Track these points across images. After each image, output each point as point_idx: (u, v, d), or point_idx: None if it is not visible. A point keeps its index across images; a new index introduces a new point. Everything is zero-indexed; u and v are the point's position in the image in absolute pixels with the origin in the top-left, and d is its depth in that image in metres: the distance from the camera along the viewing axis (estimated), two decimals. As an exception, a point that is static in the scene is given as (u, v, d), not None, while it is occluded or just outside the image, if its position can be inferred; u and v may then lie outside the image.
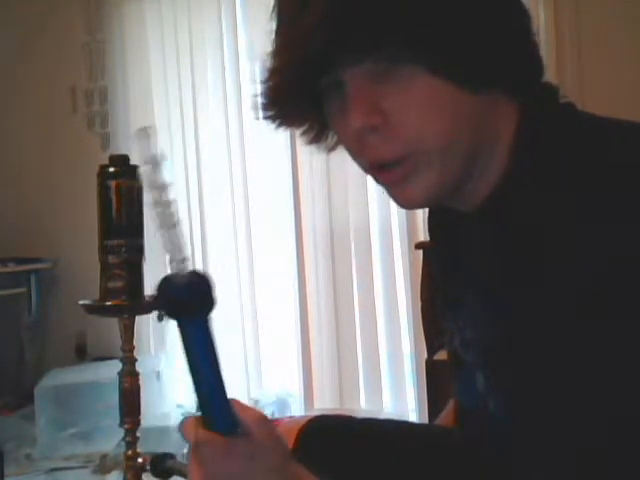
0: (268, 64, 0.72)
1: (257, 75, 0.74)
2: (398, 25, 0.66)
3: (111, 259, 1.21)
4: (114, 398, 1.24)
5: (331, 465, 0.86)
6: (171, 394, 3.28)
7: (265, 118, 0.75)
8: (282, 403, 3.26)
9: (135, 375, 1.25)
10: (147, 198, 0.58)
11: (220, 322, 3.56)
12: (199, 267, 3.27)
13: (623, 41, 2.73)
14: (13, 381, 3.76)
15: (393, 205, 0.77)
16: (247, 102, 3.34)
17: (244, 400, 0.67)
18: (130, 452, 1.24)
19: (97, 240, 1.23)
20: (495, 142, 0.74)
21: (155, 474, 1.20)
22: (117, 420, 1.24)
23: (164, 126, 3.52)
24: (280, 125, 0.76)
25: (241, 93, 3.38)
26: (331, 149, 0.82)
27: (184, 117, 3.48)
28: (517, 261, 0.71)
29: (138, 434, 1.24)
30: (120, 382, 1.24)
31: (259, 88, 0.74)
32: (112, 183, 1.21)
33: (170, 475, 1.20)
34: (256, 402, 3.18)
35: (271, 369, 3.42)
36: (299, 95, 0.72)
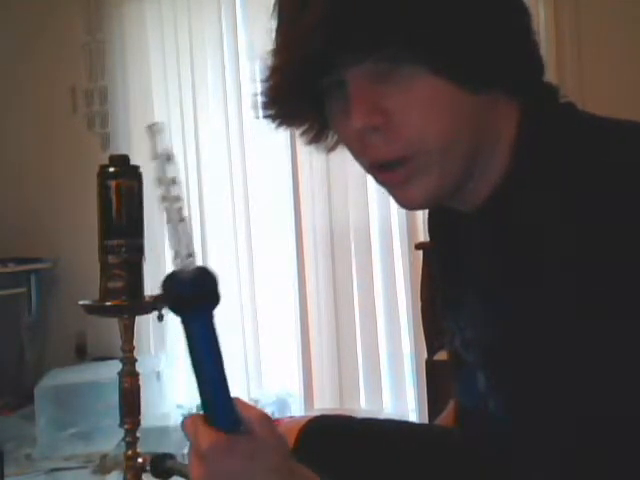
0: (268, 63, 0.72)
1: (257, 74, 0.74)
2: (398, 25, 0.66)
3: (111, 259, 1.21)
4: (114, 398, 1.24)
5: (331, 465, 0.86)
6: (171, 394, 3.28)
7: (265, 117, 0.75)
8: (282, 403, 3.26)
9: (135, 375, 1.25)
10: (156, 193, 0.59)
11: (220, 322, 3.54)
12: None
13: (623, 41, 2.73)
14: (13, 381, 3.76)
15: (393, 205, 0.77)
16: (247, 102, 3.34)
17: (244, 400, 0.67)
18: (130, 452, 1.24)
19: (97, 240, 1.23)
20: (496, 142, 0.74)
21: (155, 474, 1.20)
22: (117, 420, 1.24)
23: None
24: (280, 125, 0.76)
25: (241, 93, 3.38)
26: (331, 149, 0.81)
27: (184, 117, 3.48)
28: (517, 261, 0.71)
29: (138, 434, 1.24)
30: (120, 382, 1.24)
31: (259, 87, 0.74)
32: (112, 183, 1.21)
33: (170, 475, 1.20)
34: (256, 402, 3.18)
35: (271, 369, 3.42)
36: (299, 94, 0.72)
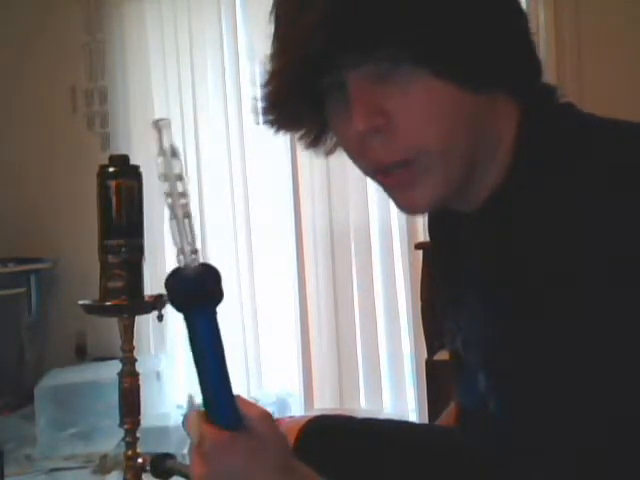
0: (268, 67, 0.72)
1: (257, 77, 0.74)
2: (398, 25, 0.66)
3: (111, 259, 1.20)
4: (114, 398, 1.24)
5: (331, 465, 0.86)
6: (171, 394, 3.28)
7: (265, 122, 0.75)
8: (282, 403, 3.26)
9: (135, 375, 1.25)
10: (161, 189, 0.59)
11: (220, 322, 3.54)
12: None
13: (623, 41, 2.73)
14: (13, 381, 3.76)
15: (393, 205, 0.76)
16: (247, 102, 3.34)
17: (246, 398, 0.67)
18: (130, 452, 1.23)
19: (97, 240, 1.23)
20: (496, 142, 0.74)
21: (155, 474, 1.20)
22: (117, 420, 1.24)
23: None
24: (279, 129, 0.76)
25: (241, 93, 3.38)
26: (329, 152, 0.81)
27: (184, 117, 3.48)
28: (517, 261, 0.71)
29: (138, 434, 1.24)
30: (120, 382, 1.24)
31: (259, 92, 0.73)
32: (112, 183, 1.21)
33: (170, 475, 1.19)
34: (256, 402, 3.18)
35: (271, 369, 3.42)
36: (299, 97, 0.72)
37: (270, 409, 0.69)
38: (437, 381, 2.25)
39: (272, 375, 3.42)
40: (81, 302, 1.25)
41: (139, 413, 1.25)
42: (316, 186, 3.20)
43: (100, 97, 3.81)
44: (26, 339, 3.92)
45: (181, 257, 0.60)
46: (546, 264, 0.67)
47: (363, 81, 0.69)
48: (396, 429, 1.08)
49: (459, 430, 0.97)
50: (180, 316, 0.62)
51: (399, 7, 0.65)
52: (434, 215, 0.94)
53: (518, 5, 0.73)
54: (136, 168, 1.24)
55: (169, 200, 0.59)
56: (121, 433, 1.25)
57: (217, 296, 0.61)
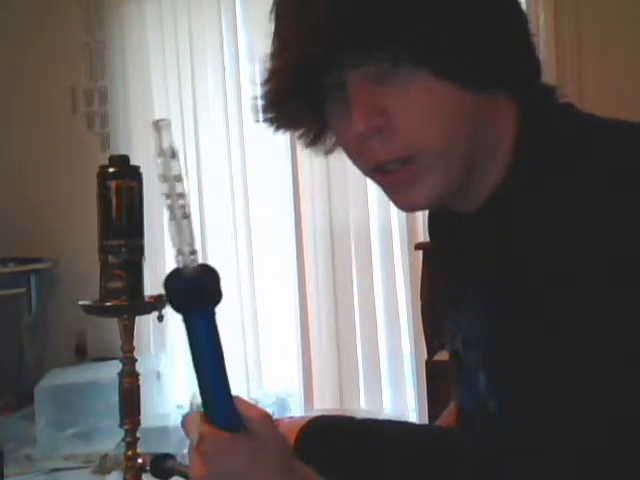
0: (267, 66, 0.72)
1: (257, 77, 0.74)
2: (398, 25, 0.66)
3: (111, 259, 1.20)
4: (114, 398, 1.24)
5: (331, 465, 0.86)
6: (171, 394, 3.28)
7: (264, 121, 0.75)
8: (282, 403, 3.26)
9: (135, 375, 1.25)
10: (160, 189, 0.59)
11: (220, 322, 3.55)
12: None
13: (623, 41, 2.73)
14: (13, 381, 3.76)
15: (393, 205, 0.76)
16: (247, 102, 3.34)
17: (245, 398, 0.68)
18: (130, 452, 1.23)
19: (97, 240, 1.23)
20: (496, 142, 0.74)
21: (155, 474, 1.20)
22: (117, 420, 1.24)
23: (164, 126, 3.52)
24: (279, 128, 0.76)
25: (241, 93, 3.38)
26: (329, 152, 0.81)
27: (184, 117, 3.48)
28: (517, 261, 0.71)
29: (138, 434, 1.24)
30: (120, 382, 1.24)
31: (258, 90, 0.74)
32: (112, 183, 1.21)
33: (170, 476, 1.19)
34: (256, 402, 3.18)
35: (271, 369, 3.42)
36: (298, 97, 0.72)
37: (270, 409, 0.69)
38: (437, 381, 2.25)
39: (272, 375, 3.42)
40: (81, 302, 1.25)
41: (139, 413, 1.25)
42: (316, 186, 3.20)
43: (100, 97, 3.81)
44: (26, 339, 3.92)
45: (180, 258, 0.60)
46: (546, 264, 0.67)
47: (363, 81, 0.69)
48: (396, 429, 1.08)
49: (459, 430, 0.97)
50: (180, 316, 0.62)
51: (399, 7, 0.65)
52: (434, 215, 0.94)
53: (518, 5, 0.73)
54: (136, 168, 1.24)
55: (168, 201, 0.59)
56: (121, 433, 1.25)
57: (215, 297, 0.61)
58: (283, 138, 3.19)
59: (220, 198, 3.44)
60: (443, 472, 0.95)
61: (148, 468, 1.21)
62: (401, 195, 0.73)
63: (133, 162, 1.26)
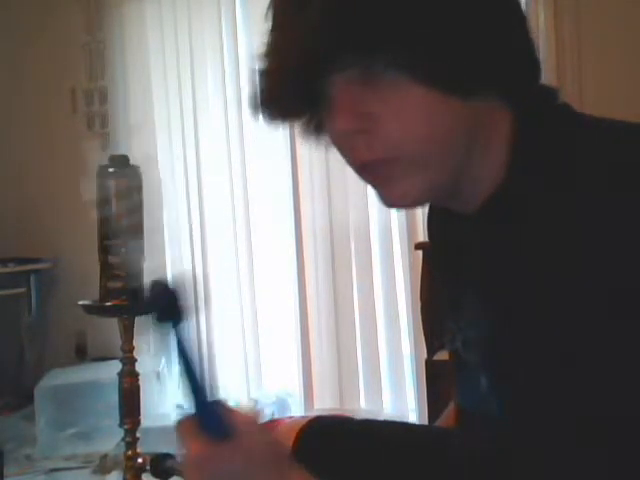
0: (262, 65, 0.73)
1: (254, 75, 0.75)
2: (382, 33, 0.66)
3: (111, 259, 1.21)
4: (114, 398, 1.25)
5: (331, 466, 0.86)
6: (171, 394, 3.28)
7: (263, 116, 0.76)
8: (282, 403, 3.26)
9: (135, 375, 1.25)
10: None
11: (220, 322, 3.56)
12: (192, 269, 3.27)
13: (623, 41, 2.73)
14: (13, 381, 3.76)
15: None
16: (246, 102, 3.34)
17: (244, 400, 0.69)
18: (130, 452, 1.24)
19: (97, 240, 1.23)
20: (490, 144, 0.74)
21: (155, 474, 1.20)
22: (117, 420, 1.24)
23: (164, 126, 3.52)
24: (274, 124, 0.77)
25: (241, 93, 3.37)
26: (329, 145, 0.82)
27: (184, 117, 3.48)
28: (517, 262, 0.71)
29: (138, 434, 1.24)
30: (120, 382, 1.24)
31: (255, 87, 0.75)
32: (112, 183, 1.21)
33: (170, 475, 1.20)
34: (256, 402, 3.18)
35: (271, 369, 3.42)
36: (291, 96, 0.73)
37: (270, 409, 0.70)
38: (437, 381, 2.25)
39: (272, 375, 3.42)
40: (81, 302, 1.25)
41: (139, 413, 1.25)
42: (316, 186, 3.20)
43: (100, 97, 3.80)
44: (26, 339, 3.92)
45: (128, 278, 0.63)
46: (546, 264, 0.67)
47: (347, 85, 0.70)
48: (395, 430, 1.08)
49: (459, 431, 0.97)
50: None
51: (384, 14, 0.66)
52: (433, 216, 0.94)
53: (516, 7, 0.73)
54: (136, 168, 1.24)
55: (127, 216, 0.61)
56: (121, 433, 1.25)
57: (175, 313, 0.63)
58: (283, 138, 3.20)
59: (220, 198, 3.44)
60: (443, 472, 0.95)
61: (148, 468, 1.21)
62: (386, 190, 0.74)
63: (133, 162, 1.26)
